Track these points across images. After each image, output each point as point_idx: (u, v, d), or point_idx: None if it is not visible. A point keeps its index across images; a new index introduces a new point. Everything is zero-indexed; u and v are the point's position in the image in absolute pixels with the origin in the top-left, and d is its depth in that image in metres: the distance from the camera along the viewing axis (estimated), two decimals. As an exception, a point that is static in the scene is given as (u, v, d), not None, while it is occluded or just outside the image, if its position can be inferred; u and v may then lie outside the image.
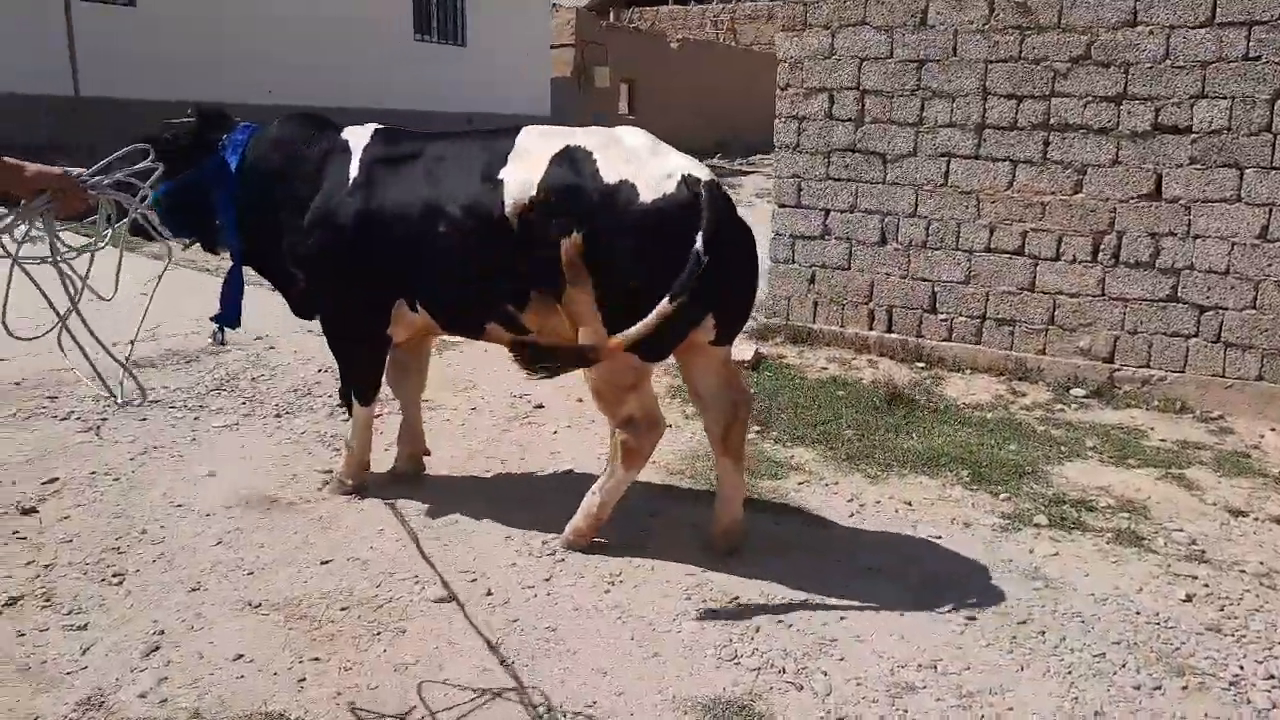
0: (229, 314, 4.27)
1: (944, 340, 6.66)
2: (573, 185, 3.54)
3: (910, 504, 4.54)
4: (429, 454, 4.67)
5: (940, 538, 4.16)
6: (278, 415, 5.26)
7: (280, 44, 15.66)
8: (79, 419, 4.98)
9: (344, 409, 4.28)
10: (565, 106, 23.22)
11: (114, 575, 3.48)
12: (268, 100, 13.89)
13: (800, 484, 4.73)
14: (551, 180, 3.57)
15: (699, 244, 3.35)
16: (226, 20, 14.99)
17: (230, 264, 4.25)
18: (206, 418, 5.17)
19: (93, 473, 4.33)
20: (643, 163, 3.55)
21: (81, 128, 12.25)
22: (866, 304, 6.92)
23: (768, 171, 21.33)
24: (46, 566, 3.51)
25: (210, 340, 4.41)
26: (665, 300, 3.29)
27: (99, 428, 4.88)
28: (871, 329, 6.92)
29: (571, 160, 3.59)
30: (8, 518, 3.86)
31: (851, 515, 4.39)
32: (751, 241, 3.70)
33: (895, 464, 5.00)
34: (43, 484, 4.19)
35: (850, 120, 6.75)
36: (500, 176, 3.66)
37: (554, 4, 24.41)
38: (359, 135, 4.09)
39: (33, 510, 3.92)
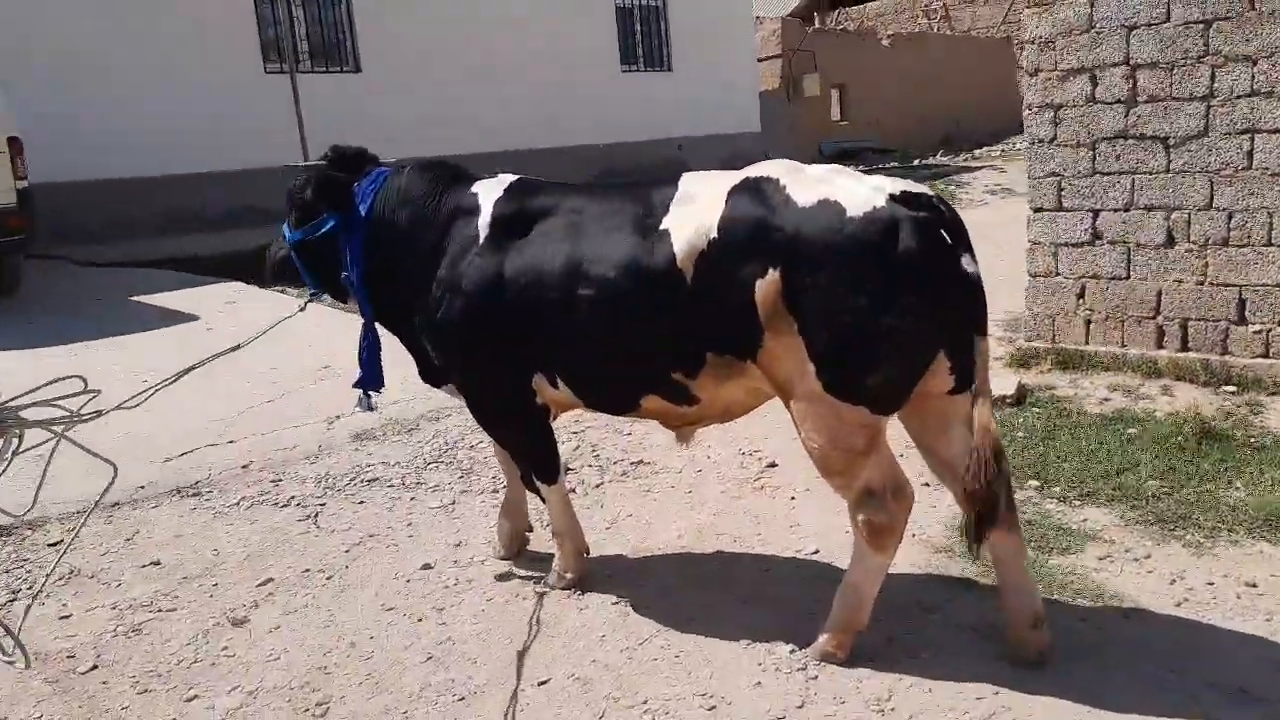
0: (369, 377, 3.94)
1: (1259, 357, 5.47)
2: (760, 216, 2.96)
3: (1255, 585, 3.57)
4: (531, 531, 4.22)
5: (1312, 636, 3.18)
6: (495, 490, 4.92)
7: (492, 91, 15.94)
8: (299, 505, 4.83)
9: (535, 494, 3.85)
10: (775, 121, 22.53)
11: (318, 705, 3.15)
12: (485, 146, 14.09)
13: (1101, 559, 3.84)
14: (734, 214, 3.02)
15: (966, 262, 2.84)
16: (440, 73, 15.42)
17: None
18: (423, 496, 4.90)
19: (306, 570, 4.11)
20: (838, 183, 2.97)
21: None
22: (1153, 318, 5.82)
23: (998, 164, 19.74)
24: (251, 694, 3.24)
25: (358, 408, 4.10)
26: (979, 338, 2.87)
27: (317, 515, 4.70)
28: (1161, 348, 5.81)
29: (754, 190, 3.04)
30: (219, 630, 3.65)
31: (1179, 604, 3.48)
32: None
33: (1222, 527, 4.01)
34: (258, 585, 3.99)
35: (1120, 102, 5.71)
36: (664, 226, 3.14)
37: (758, 16, 23.79)
38: (491, 189, 3.64)
39: (244, 621, 3.71)
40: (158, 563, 4.24)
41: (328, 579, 4.03)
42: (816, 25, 27.97)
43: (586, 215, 3.37)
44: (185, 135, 12.55)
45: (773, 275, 2.92)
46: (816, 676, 3.14)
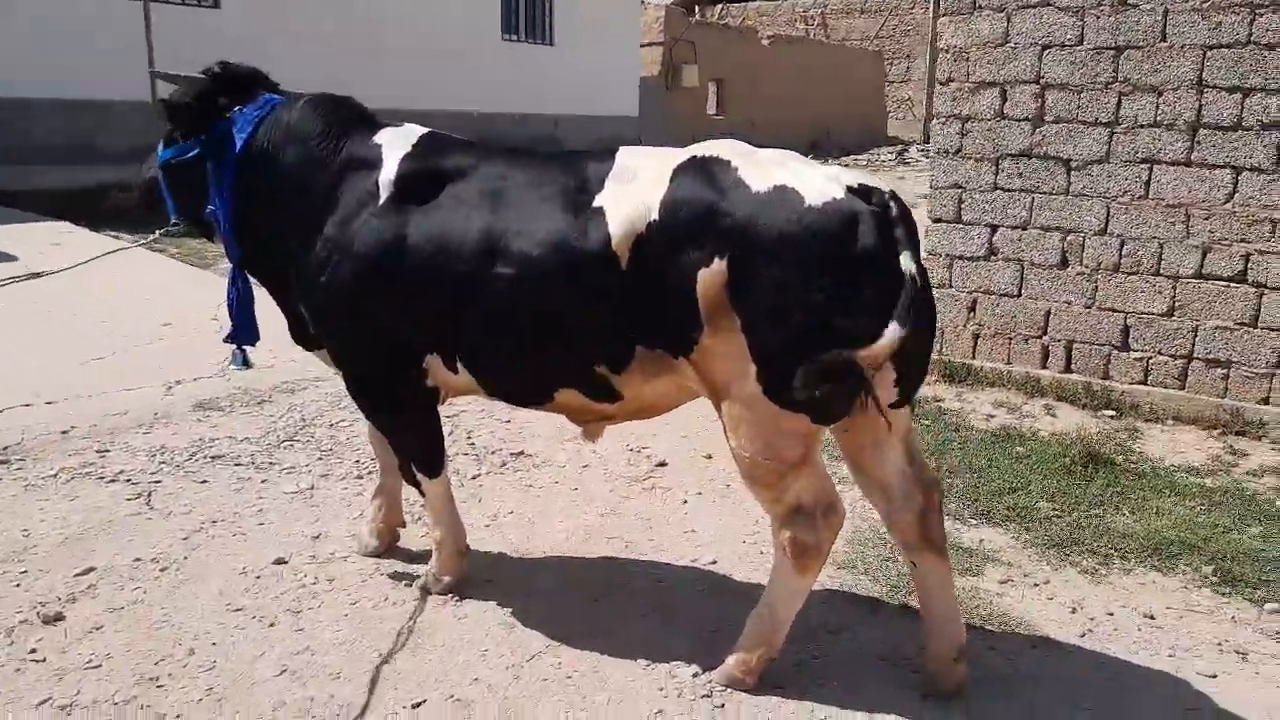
0: (240, 329, 3.46)
1: (1138, 383, 5.56)
2: (707, 200, 2.66)
3: (1153, 617, 3.52)
4: (404, 525, 3.84)
5: (1215, 676, 3.13)
6: (359, 476, 4.45)
7: (367, 46, 15.07)
8: (129, 481, 4.23)
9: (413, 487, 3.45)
10: (652, 108, 22.35)
11: (147, 727, 2.67)
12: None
13: (1002, 583, 3.74)
14: (678, 195, 2.71)
15: (907, 261, 2.58)
16: (312, 20, 14.45)
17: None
18: (276, 479, 4.38)
19: (136, 559, 3.56)
20: (793, 169, 2.70)
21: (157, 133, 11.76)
22: (1040, 338, 5.85)
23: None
24: (64, 709, 2.71)
25: (232, 365, 3.60)
26: (894, 325, 2.49)
27: (151, 494, 4.12)
28: (1045, 367, 5.85)
29: (702, 171, 2.73)
30: (27, 628, 3.08)
31: (1083, 634, 3.38)
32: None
33: (1114, 554, 3.97)
34: (76, 575, 3.42)
35: (1027, 120, 5.69)
36: (598, 203, 2.80)
37: (642, 1, 23.53)
38: (397, 141, 3.20)
39: (58, 617, 3.14)
40: (-48, 543, 3.60)
41: (162, 571, 3.49)
42: (700, 17, 27.93)
43: (509, 183, 2.97)
44: (20, 57, 11.27)
45: (718, 265, 2.62)
46: (723, 705, 2.87)
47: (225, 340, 3.49)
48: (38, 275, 3.67)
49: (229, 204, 3.26)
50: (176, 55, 11.29)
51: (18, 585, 3.33)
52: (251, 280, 3.46)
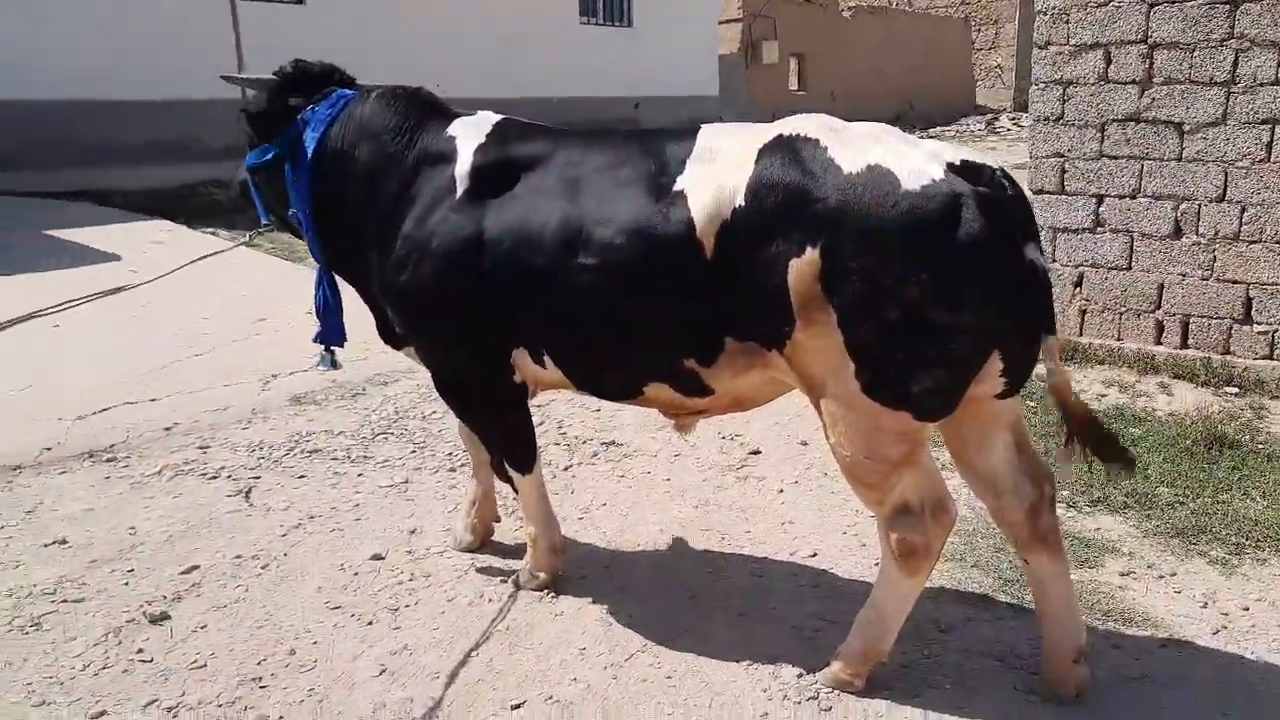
0: (329, 330, 3.44)
1: (1263, 358, 5.22)
2: (796, 183, 2.50)
3: (1293, 613, 3.28)
4: (499, 520, 3.79)
5: (1368, 676, 2.90)
6: (452, 469, 4.44)
7: (446, 34, 15.17)
8: (230, 477, 4.29)
9: (506, 484, 3.40)
10: (733, 86, 22.04)
11: (251, 729, 2.68)
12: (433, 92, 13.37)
13: (1124, 575, 3.53)
14: (764, 177, 2.55)
15: (1030, 250, 2.45)
16: (394, 12, 14.60)
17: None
18: (371, 472, 4.40)
19: (238, 557, 3.60)
20: (888, 146, 2.51)
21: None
22: (1153, 312, 5.54)
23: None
24: (171, 710, 2.74)
25: (321, 366, 3.59)
26: (1049, 335, 2.48)
27: (250, 490, 4.17)
28: (1160, 343, 5.54)
29: (789, 150, 2.56)
30: (134, 628, 3.13)
31: (1217, 632, 3.17)
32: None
33: (1246, 543, 3.73)
34: (181, 573, 3.47)
35: (1134, 82, 5.37)
36: (680, 187, 2.67)
37: (720, -23, 23.18)
38: (471, 131, 3.12)
39: (164, 617, 3.19)
40: (64, 542, 3.68)
41: (263, 568, 3.53)
42: (778, -9, 27.38)
43: (587, 168, 2.87)
44: (112, 59, 11.62)
45: (810, 255, 2.47)
46: (830, 708, 2.76)
47: (314, 340, 3.49)
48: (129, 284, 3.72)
49: (307, 206, 3.24)
50: (264, 52, 11.54)
51: (125, 584, 3.39)
52: (340, 280, 3.46)
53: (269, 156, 3.29)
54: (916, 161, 2.47)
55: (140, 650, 3.00)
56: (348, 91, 3.32)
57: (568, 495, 4.19)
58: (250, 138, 3.40)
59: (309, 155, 3.21)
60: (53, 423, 4.79)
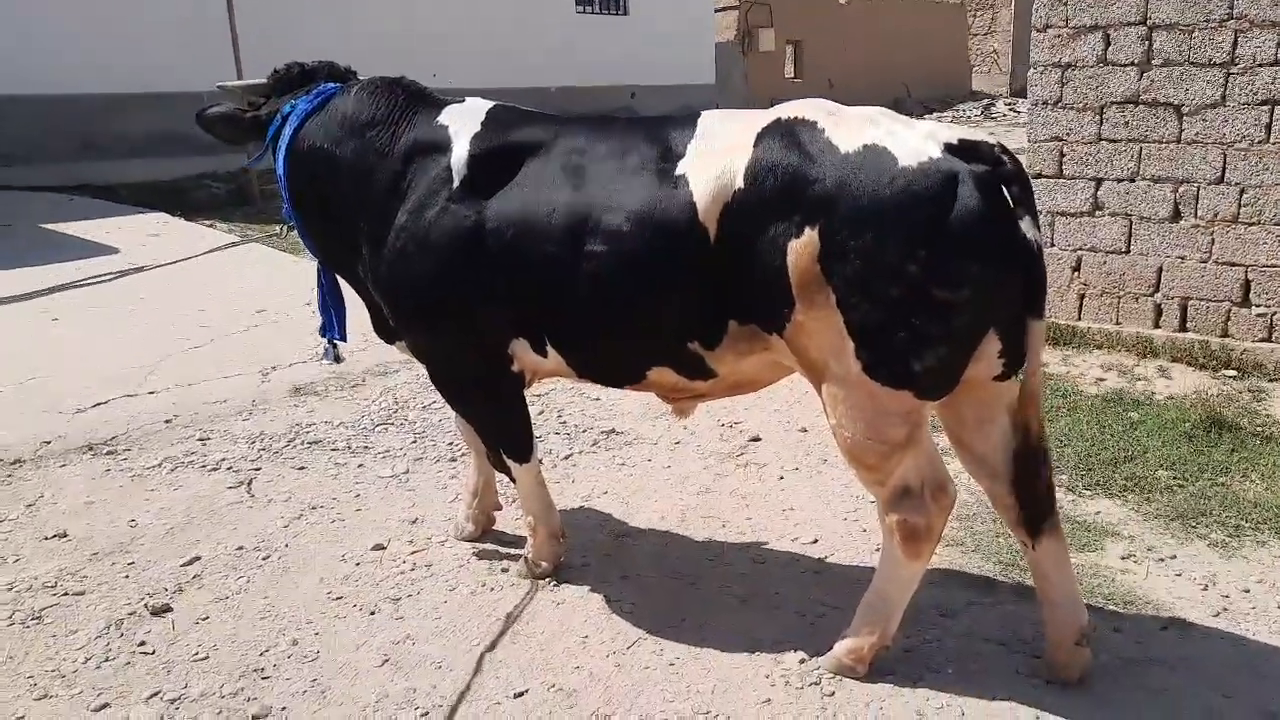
0: (329, 323, 3.44)
1: (1261, 341, 5.22)
2: (794, 165, 2.51)
3: (1295, 594, 3.28)
4: (500, 509, 3.77)
5: (1372, 658, 2.90)
6: (452, 459, 4.44)
7: (443, 24, 15.11)
8: (230, 469, 4.29)
9: (503, 473, 3.41)
10: (729, 74, 21.97)
11: (254, 718, 2.67)
12: (430, 83, 13.31)
13: (1125, 558, 3.54)
14: (763, 160, 2.55)
15: (1025, 226, 2.44)
16: (390, 2, 14.54)
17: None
18: (372, 463, 4.39)
19: (239, 548, 3.59)
20: (885, 126, 2.52)
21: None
22: (1151, 296, 5.53)
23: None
24: (173, 703, 2.74)
25: (323, 359, 3.60)
26: (1035, 319, 2.50)
27: (251, 481, 4.17)
28: (1158, 327, 5.54)
29: (787, 133, 2.57)
30: (136, 620, 3.13)
31: (1218, 614, 3.18)
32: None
33: (1245, 525, 3.73)
34: (182, 565, 3.47)
35: (1133, 64, 5.35)
36: (681, 171, 2.67)
37: (716, -36, 23.07)
38: (464, 118, 3.08)
39: (166, 609, 3.19)
40: (64, 535, 3.69)
41: (264, 559, 3.53)
42: (774, -22, 27.25)
43: (590, 155, 2.86)
44: (107, 51, 11.57)
45: (809, 235, 2.48)
46: (833, 693, 2.76)
47: (319, 333, 3.49)
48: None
49: (292, 200, 3.24)
50: (260, 43, 11.52)
51: (126, 577, 3.39)
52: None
53: (258, 157, 3.30)
54: (913, 141, 2.48)
55: (142, 642, 3.00)
56: (331, 85, 3.29)
57: (568, 484, 4.19)
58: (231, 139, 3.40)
59: (285, 150, 3.19)
60: (52, 416, 4.79)
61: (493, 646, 3.00)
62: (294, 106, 3.23)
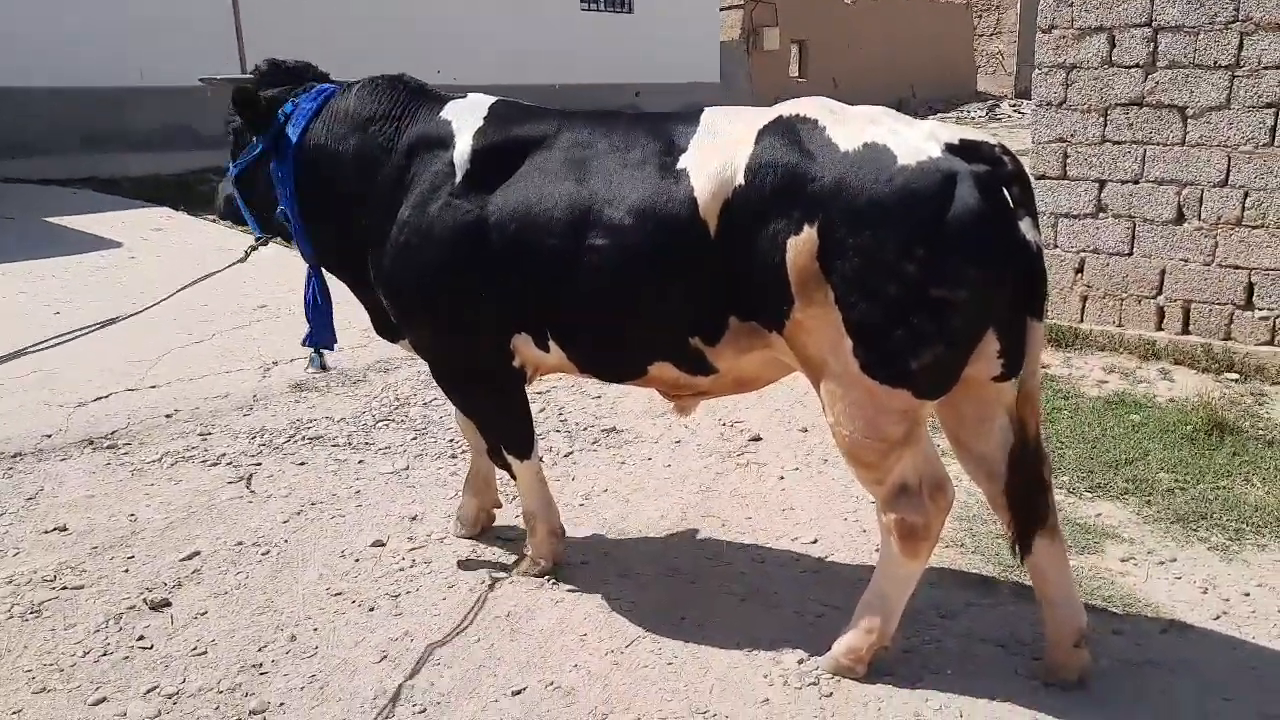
0: (318, 331, 3.41)
1: (1264, 344, 5.21)
2: (794, 162, 2.51)
3: (1294, 598, 3.28)
4: (499, 506, 3.76)
5: (1371, 663, 2.90)
6: (453, 455, 4.43)
7: (448, 22, 15.11)
8: (231, 464, 4.29)
9: (504, 470, 3.41)
10: (734, 72, 21.95)
11: (252, 715, 2.67)
12: (436, 80, 13.32)
13: (1125, 561, 3.53)
14: (763, 157, 2.56)
15: (1024, 227, 2.45)
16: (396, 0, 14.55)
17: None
18: (372, 459, 4.39)
19: (239, 543, 3.59)
20: (885, 125, 2.53)
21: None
22: (1154, 298, 5.53)
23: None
24: (171, 697, 2.74)
25: (310, 368, 3.59)
26: (1035, 321, 2.53)
27: (251, 477, 4.17)
28: (1161, 329, 5.53)
29: (788, 131, 2.58)
30: (134, 615, 3.13)
31: (1218, 617, 3.17)
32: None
33: (1246, 529, 3.73)
34: (181, 560, 3.47)
35: (1138, 66, 5.35)
36: (683, 166, 2.67)
37: (721, -37, 23.04)
38: (467, 113, 3.08)
39: (165, 604, 3.19)
40: (64, 529, 3.68)
41: (264, 555, 3.52)
42: (779, -23, 27.22)
43: (594, 149, 2.86)
44: (111, 45, 11.57)
45: (808, 233, 2.48)
46: (831, 694, 2.76)
47: (303, 343, 3.46)
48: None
49: (294, 200, 3.22)
50: (265, 38, 11.52)
51: (126, 571, 3.39)
52: (329, 279, 3.42)
53: (253, 155, 3.27)
54: (913, 140, 2.48)
55: (141, 637, 3.00)
56: (329, 85, 3.30)
57: (568, 482, 4.19)
58: (233, 146, 3.38)
59: (292, 148, 3.18)
60: (53, 409, 4.79)
61: (492, 644, 2.99)
62: (296, 105, 3.23)
